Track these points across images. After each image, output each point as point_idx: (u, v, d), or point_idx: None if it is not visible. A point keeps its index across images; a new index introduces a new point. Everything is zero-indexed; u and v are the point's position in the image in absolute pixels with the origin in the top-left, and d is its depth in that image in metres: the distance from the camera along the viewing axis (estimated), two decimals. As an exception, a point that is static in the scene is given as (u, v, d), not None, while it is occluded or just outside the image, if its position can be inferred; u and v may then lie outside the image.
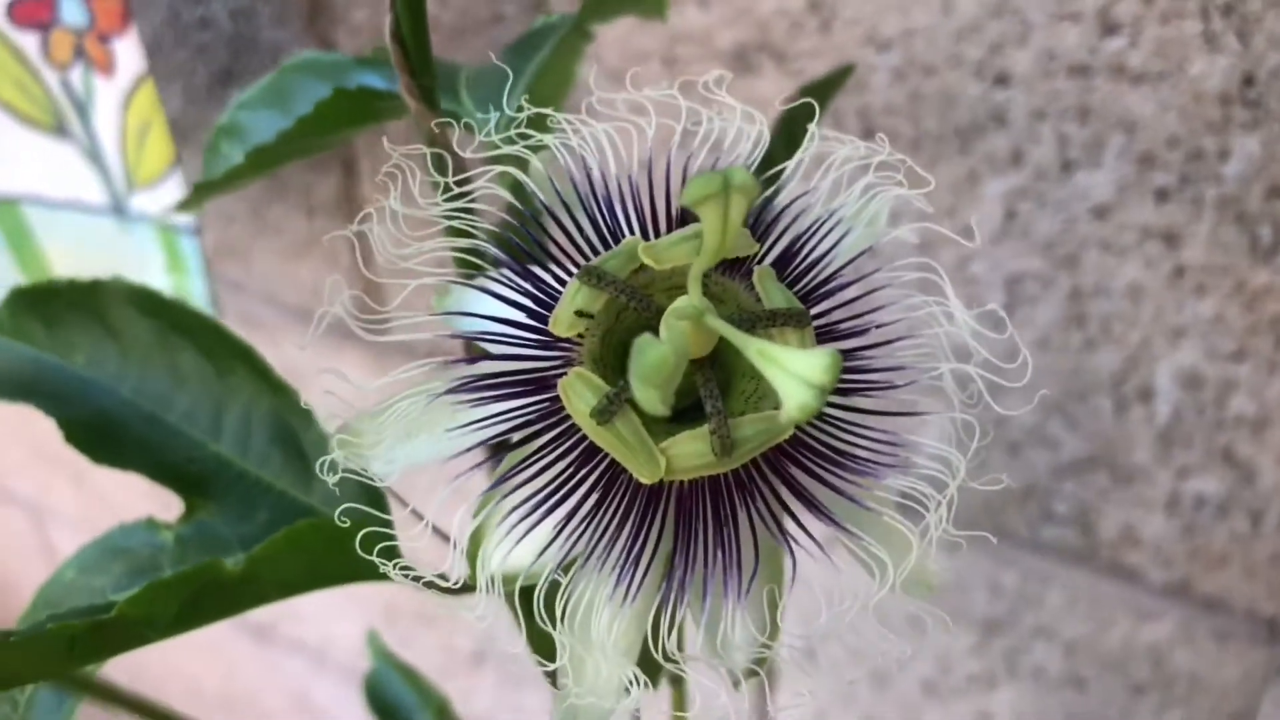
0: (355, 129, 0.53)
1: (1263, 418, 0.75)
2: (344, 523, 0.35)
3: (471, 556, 0.35)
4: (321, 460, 0.34)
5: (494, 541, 0.34)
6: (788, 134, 0.43)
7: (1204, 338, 0.75)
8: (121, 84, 0.81)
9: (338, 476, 0.34)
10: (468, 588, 0.34)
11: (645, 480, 0.32)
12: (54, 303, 0.50)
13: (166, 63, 0.99)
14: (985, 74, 0.74)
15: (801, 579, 0.35)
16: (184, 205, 0.58)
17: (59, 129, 0.85)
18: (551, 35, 0.49)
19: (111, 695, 0.25)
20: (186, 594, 0.38)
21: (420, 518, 0.36)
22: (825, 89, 0.47)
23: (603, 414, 0.31)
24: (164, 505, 0.52)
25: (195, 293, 0.87)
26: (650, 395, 0.27)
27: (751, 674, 0.34)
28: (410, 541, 0.38)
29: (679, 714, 0.49)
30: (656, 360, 0.27)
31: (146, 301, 0.50)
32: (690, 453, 0.32)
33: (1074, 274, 0.77)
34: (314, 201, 1.02)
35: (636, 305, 0.33)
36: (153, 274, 0.87)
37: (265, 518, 0.47)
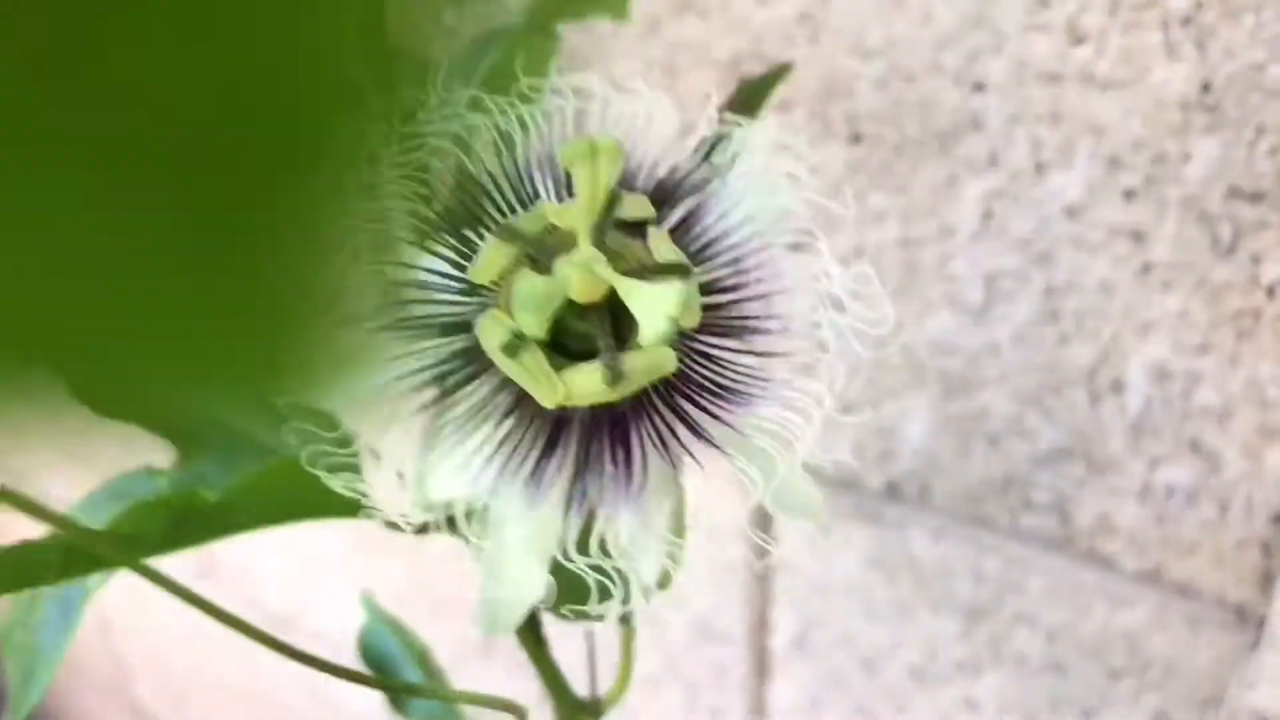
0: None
1: (1227, 409, 0.78)
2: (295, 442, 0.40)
3: (418, 483, 0.40)
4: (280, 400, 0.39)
5: (434, 466, 0.39)
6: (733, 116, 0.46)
7: (1171, 332, 0.78)
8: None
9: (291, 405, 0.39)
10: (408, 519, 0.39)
11: (548, 405, 0.37)
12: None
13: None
14: (963, 81, 0.78)
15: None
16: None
17: None
18: (506, 35, 0.54)
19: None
20: (169, 516, 0.43)
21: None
22: (763, 85, 0.52)
23: (509, 348, 0.36)
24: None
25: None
26: (528, 320, 0.32)
27: (652, 589, 0.39)
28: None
29: (625, 659, 0.53)
30: (529, 290, 0.32)
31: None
32: (585, 381, 0.37)
33: (1048, 271, 0.80)
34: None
35: (543, 257, 0.38)
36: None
37: (249, 465, 0.52)
